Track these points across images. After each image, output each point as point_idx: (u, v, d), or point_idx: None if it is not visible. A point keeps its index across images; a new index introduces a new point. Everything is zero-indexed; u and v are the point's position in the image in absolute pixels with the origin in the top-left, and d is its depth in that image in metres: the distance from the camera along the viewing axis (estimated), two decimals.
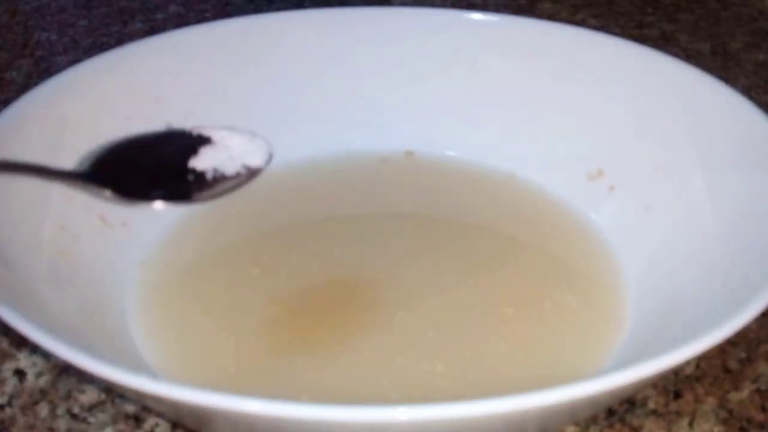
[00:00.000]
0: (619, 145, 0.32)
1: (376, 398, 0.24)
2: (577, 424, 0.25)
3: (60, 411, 0.25)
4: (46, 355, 0.27)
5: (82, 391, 0.26)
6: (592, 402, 0.21)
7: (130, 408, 0.25)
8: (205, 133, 0.28)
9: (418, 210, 0.34)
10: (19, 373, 0.27)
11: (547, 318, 0.27)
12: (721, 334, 0.20)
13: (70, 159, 0.28)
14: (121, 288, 0.28)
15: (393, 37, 0.35)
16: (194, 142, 0.27)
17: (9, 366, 0.27)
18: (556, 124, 0.34)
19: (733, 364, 0.27)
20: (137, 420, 0.25)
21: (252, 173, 0.27)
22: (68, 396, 0.26)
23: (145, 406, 0.25)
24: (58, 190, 0.27)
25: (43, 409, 0.25)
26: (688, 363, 0.26)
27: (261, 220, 0.33)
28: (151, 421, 0.25)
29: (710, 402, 0.26)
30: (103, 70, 0.31)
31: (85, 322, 0.24)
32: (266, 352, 0.26)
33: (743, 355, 0.27)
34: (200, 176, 0.26)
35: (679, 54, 0.46)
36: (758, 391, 0.26)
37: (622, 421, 0.25)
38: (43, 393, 0.26)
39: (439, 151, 0.36)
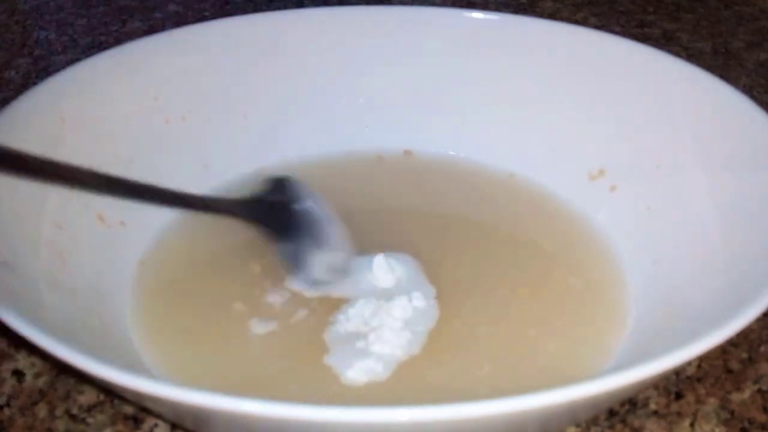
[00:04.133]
0: (620, 144, 0.32)
1: (378, 398, 0.24)
2: (578, 424, 0.25)
3: (59, 412, 0.25)
4: (45, 356, 0.27)
5: (80, 392, 0.26)
6: (593, 403, 0.21)
7: (129, 409, 0.25)
8: None
9: (416, 209, 0.34)
10: (18, 374, 0.27)
11: (548, 318, 0.27)
12: (722, 334, 0.19)
13: (68, 158, 0.28)
14: (119, 288, 0.28)
15: (393, 36, 0.35)
16: None
17: (7, 366, 0.27)
18: (556, 124, 0.34)
19: (734, 365, 0.27)
20: (136, 421, 0.25)
21: None
22: (67, 397, 0.26)
23: (144, 407, 0.25)
24: (56, 191, 0.27)
25: (42, 410, 0.25)
26: (689, 363, 0.26)
27: None
28: (150, 422, 0.25)
29: (712, 403, 0.25)
30: (102, 69, 0.31)
31: (84, 323, 0.24)
32: (268, 352, 0.26)
33: (745, 355, 0.27)
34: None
35: (681, 53, 0.46)
36: (760, 391, 0.26)
37: (624, 421, 0.25)
38: (42, 393, 0.26)
39: (439, 151, 0.35)
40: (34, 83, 0.30)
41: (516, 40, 0.34)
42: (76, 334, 0.23)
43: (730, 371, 0.27)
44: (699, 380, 0.26)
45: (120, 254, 0.29)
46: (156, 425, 0.25)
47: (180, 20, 0.51)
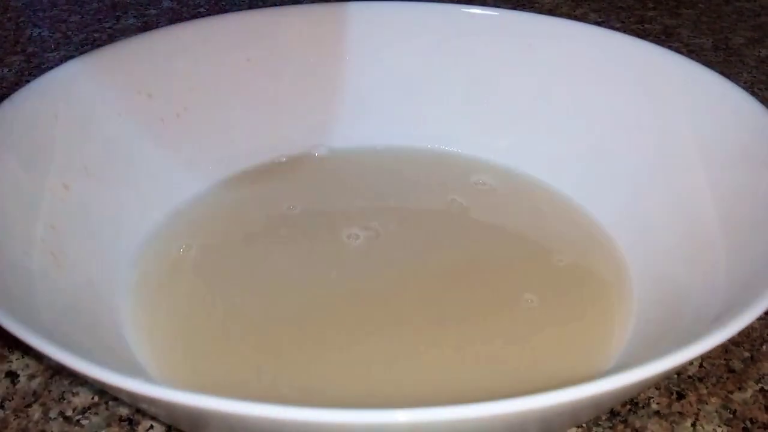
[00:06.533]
0: (620, 141, 0.31)
1: (377, 399, 0.24)
2: (579, 425, 0.24)
3: (53, 414, 0.25)
4: (39, 357, 0.27)
5: (75, 394, 0.26)
6: (594, 403, 0.20)
7: (124, 411, 0.25)
8: None
9: (414, 206, 0.33)
10: (12, 375, 0.26)
11: (549, 318, 0.27)
12: (724, 333, 0.19)
13: (61, 157, 0.28)
14: (114, 288, 0.27)
15: (390, 32, 0.35)
16: None
17: (1, 368, 0.27)
18: (555, 120, 0.33)
19: (736, 364, 0.27)
20: (131, 423, 0.25)
21: None
22: (61, 398, 0.25)
23: (139, 409, 0.25)
24: (51, 190, 0.27)
25: (36, 412, 0.25)
26: (691, 363, 0.26)
27: (259, 218, 0.32)
28: (145, 423, 0.25)
29: (714, 402, 0.25)
30: (96, 66, 0.31)
31: (79, 324, 0.24)
32: (264, 352, 0.26)
33: (747, 354, 0.27)
34: None
35: (681, 49, 0.46)
36: (762, 391, 0.26)
37: (625, 422, 0.25)
38: (36, 395, 0.26)
39: (437, 147, 0.35)
40: (27, 81, 0.29)
41: (515, 35, 0.34)
42: (70, 335, 0.22)
43: (732, 371, 0.26)
44: (701, 380, 0.26)
45: (115, 254, 0.28)
46: (151, 427, 0.25)
47: (174, 17, 0.51)
